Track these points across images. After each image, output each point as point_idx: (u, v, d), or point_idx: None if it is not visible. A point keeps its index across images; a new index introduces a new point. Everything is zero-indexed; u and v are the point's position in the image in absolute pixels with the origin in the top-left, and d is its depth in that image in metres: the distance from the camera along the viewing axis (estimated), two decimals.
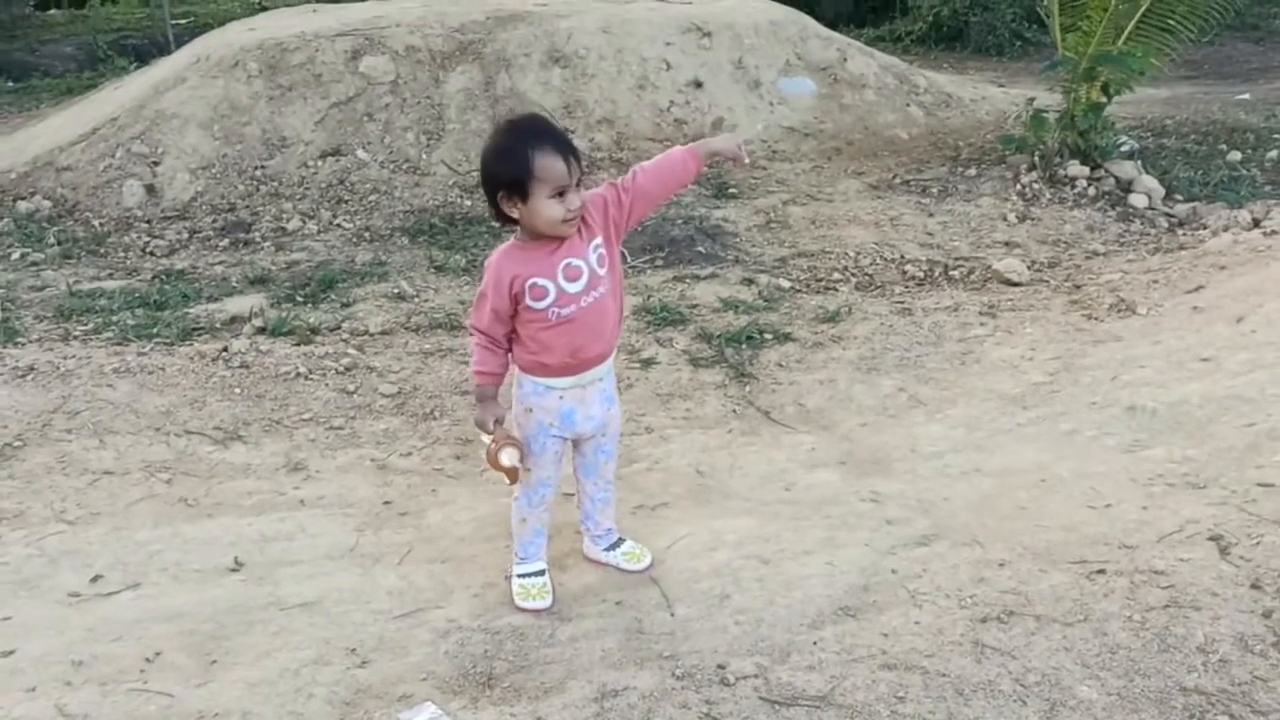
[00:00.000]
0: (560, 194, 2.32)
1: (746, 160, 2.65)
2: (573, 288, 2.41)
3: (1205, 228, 5.44)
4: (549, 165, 2.29)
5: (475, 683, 2.35)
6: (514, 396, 2.59)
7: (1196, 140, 7.14)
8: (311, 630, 2.58)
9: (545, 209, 2.32)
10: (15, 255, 5.51)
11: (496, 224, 2.48)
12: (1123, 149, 6.43)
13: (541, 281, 2.38)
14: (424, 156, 6.48)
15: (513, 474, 2.53)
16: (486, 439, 2.53)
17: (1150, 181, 6.06)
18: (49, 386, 3.83)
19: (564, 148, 2.33)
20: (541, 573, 2.70)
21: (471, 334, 2.52)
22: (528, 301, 2.40)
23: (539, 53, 7.07)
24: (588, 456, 2.69)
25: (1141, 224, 5.67)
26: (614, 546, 2.80)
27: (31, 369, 3.95)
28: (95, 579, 2.82)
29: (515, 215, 2.36)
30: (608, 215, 2.47)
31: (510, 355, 2.53)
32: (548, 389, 2.52)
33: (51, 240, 5.73)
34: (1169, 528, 2.71)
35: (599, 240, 2.44)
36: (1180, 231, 5.52)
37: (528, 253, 2.41)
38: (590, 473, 2.72)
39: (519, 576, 2.69)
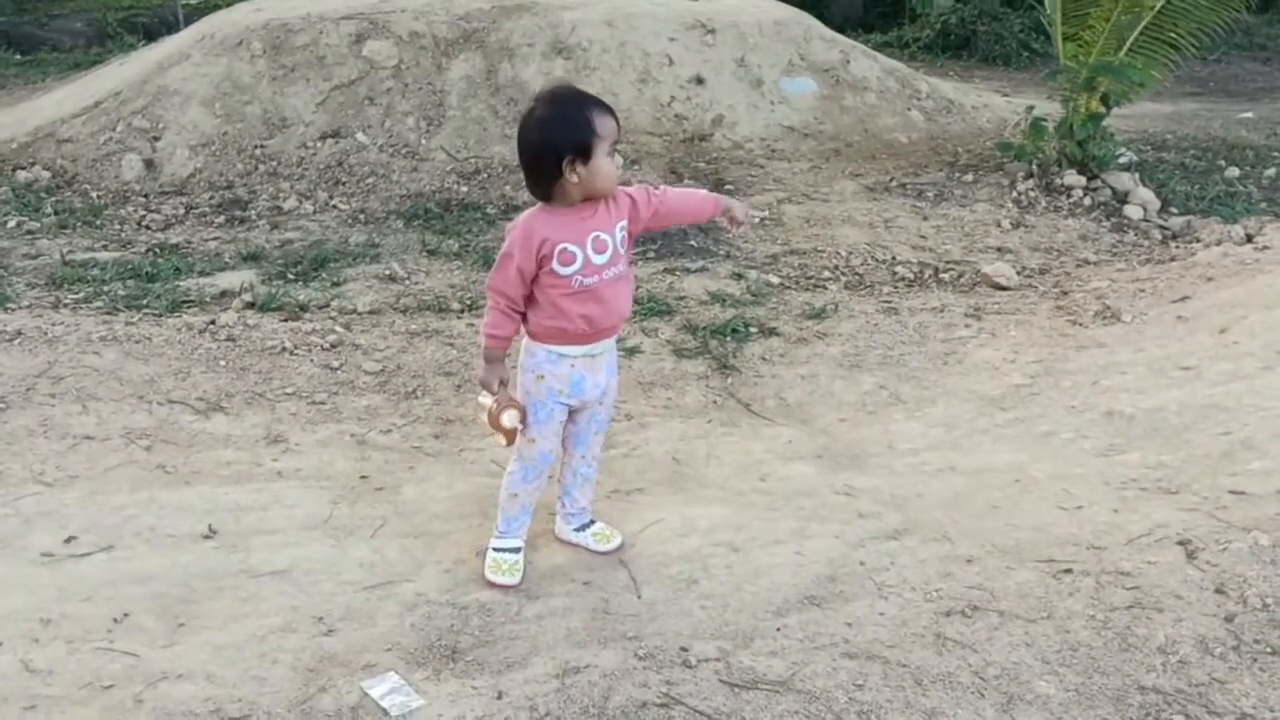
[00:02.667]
0: (611, 151, 2.45)
1: (749, 226, 2.85)
2: (598, 259, 2.50)
3: (1198, 241, 5.45)
4: (606, 123, 2.43)
5: (439, 655, 2.37)
6: (521, 366, 2.63)
7: (1196, 155, 7.15)
8: (280, 598, 2.60)
9: (606, 166, 2.44)
10: (11, 223, 5.54)
11: (537, 199, 2.54)
12: (1121, 160, 6.44)
13: (571, 247, 2.46)
14: (423, 142, 6.50)
15: (511, 436, 2.60)
16: (484, 400, 2.59)
17: (1146, 193, 6.07)
18: (35, 351, 3.85)
19: (608, 107, 2.48)
20: (517, 550, 2.73)
21: (489, 297, 2.57)
22: (554, 266, 2.47)
23: (542, 43, 7.09)
24: (581, 426, 2.73)
25: (1135, 235, 5.69)
26: (584, 527, 2.82)
27: (19, 334, 3.97)
28: (69, 540, 2.84)
29: (575, 179, 2.43)
30: (635, 208, 2.59)
31: (523, 323, 2.58)
32: (560, 357, 2.58)
33: (48, 210, 5.75)
34: (1138, 531, 2.73)
35: (624, 223, 2.56)
36: (1173, 244, 5.53)
37: (559, 218, 2.48)
38: (579, 443, 2.76)
39: (494, 550, 2.72)
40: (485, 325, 2.58)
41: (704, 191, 2.84)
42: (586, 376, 2.62)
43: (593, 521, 2.84)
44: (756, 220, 2.90)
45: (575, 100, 2.48)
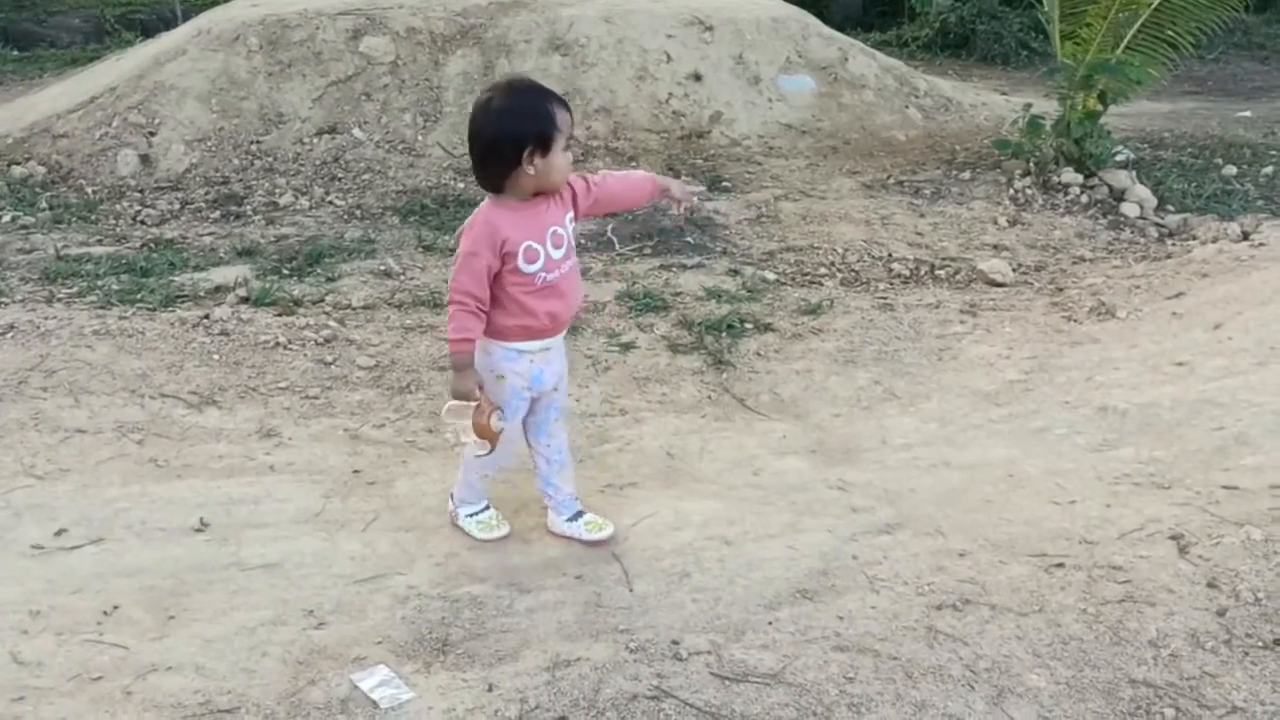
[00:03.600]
0: (567, 145, 2.47)
1: (693, 207, 2.88)
2: (557, 254, 2.53)
3: (1194, 238, 5.44)
4: (564, 116, 2.46)
5: (430, 648, 2.37)
6: (480, 367, 2.60)
7: (1193, 154, 7.13)
8: (271, 591, 2.59)
9: (562, 160, 2.47)
10: (6, 218, 5.52)
11: (486, 190, 2.54)
12: (1118, 158, 6.43)
13: (535, 245, 2.48)
14: (419, 138, 6.49)
15: (495, 439, 2.60)
16: (448, 414, 2.57)
17: (1143, 191, 6.05)
18: (28, 345, 3.84)
19: (564, 100, 2.53)
20: (488, 507, 2.83)
21: (454, 300, 2.51)
22: (519, 264, 2.47)
23: (540, 40, 7.08)
24: (540, 415, 2.75)
25: (1131, 233, 5.68)
26: (576, 518, 2.83)
27: (12, 328, 3.96)
28: (59, 533, 2.84)
29: (531, 171, 2.43)
30: (576, 199, 2.61)
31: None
32: (519, 354, 2.59)
33: (43, 205, 5.74)
34: (1130, 525, 2.73)
35: (571, 214, 2.59)
36: (1170, 241, 5.52)
37: (518, 215, 2.49)
38: (541, 432, 2.77)
39: (472, 517, 2.79)
40: (454, 331, 2.51)
41: (641, 172, 2.84)
42: (544, 369, 2.65)
43: (583, 512, 2.85)
44: (697, 200, 2.90)
45: (535, 91, 2.49)
